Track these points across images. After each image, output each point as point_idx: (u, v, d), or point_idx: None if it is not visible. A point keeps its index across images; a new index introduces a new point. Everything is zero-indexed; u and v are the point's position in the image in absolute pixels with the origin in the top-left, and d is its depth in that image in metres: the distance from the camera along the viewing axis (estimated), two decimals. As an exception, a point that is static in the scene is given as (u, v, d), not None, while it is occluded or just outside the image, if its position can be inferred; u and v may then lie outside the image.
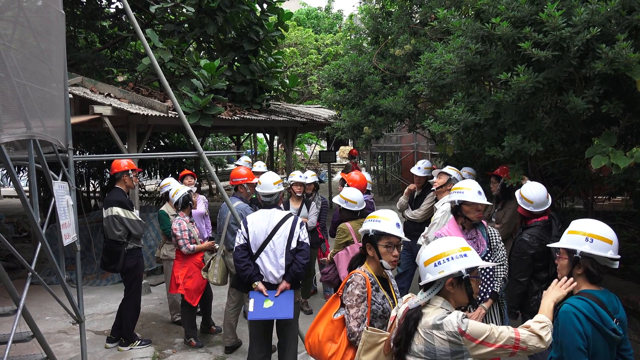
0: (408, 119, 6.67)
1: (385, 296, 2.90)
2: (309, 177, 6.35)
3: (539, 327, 2.15)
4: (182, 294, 5.27)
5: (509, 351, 2.12)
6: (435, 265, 2.24)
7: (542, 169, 5.48)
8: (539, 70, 4.03)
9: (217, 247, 5.35)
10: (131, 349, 5.27)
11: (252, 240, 4.02)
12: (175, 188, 5.59)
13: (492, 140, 4.99)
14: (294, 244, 4.00)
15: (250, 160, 7.74)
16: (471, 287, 2.28)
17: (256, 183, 4.55)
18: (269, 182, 4.24)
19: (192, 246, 5.29)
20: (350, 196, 4.50)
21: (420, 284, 2.31)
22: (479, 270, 3.79)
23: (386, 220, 2.89)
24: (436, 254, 2.27)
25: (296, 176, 6.10)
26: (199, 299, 5.37)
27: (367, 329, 2.55)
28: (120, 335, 5.31)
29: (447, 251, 2.26)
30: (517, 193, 4.09)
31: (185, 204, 5.44)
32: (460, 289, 2.27)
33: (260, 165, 6.94)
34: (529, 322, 2.19)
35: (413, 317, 2.26)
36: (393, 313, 2.52)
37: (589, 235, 2.44)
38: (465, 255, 2.25)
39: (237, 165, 7.13)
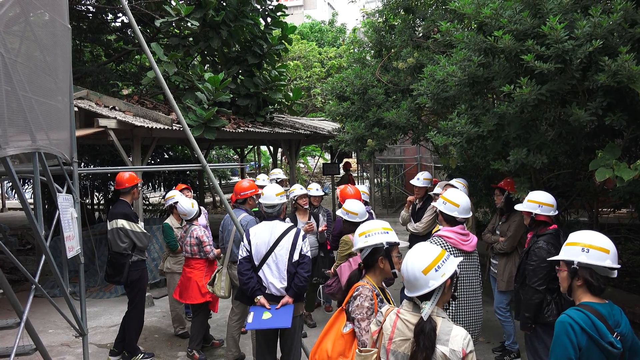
0: (411, 132, 6.68)
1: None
2: (319, 189, 6.34)
3: None
4: (210, 300, 5.41)
5: None
6: (436, 270, 2.18)
7: (547, 181, 5.47)
8: (542, 83, 4.05)
9: (222, 256, 5.35)
10: (134, 362, 5.25)
11: (255, 252, 4.03)
12: (184, 200, 5.61)
13: (497, 154, 4.99)
14: (296, 257, 4.00)
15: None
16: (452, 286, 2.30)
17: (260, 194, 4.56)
18: (271, 193, 4.29)
19: (216, 251, 5.52)
20: (351, 208, 4.50)
21: (418, 294, 2.20)
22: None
23: (391, 231, 2.91)
24: (432, 259, 2.20)
25: (297, 189, 6.04)
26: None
27: (359, 351, 2.44)
28: (123, 348, 5.29)
29: (438, 254, 2.23)
30: (523, 205, 4.09)
31: (199, 213, 5.69)
32: (448, 290, 2.26)
33: (263, 179, 6.94)
34: None
35: (431, 330, 2.12)
36: (374, 327, 2.43)
37: (585, 246, 2.45)
38: (447, 258, 2.26)
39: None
